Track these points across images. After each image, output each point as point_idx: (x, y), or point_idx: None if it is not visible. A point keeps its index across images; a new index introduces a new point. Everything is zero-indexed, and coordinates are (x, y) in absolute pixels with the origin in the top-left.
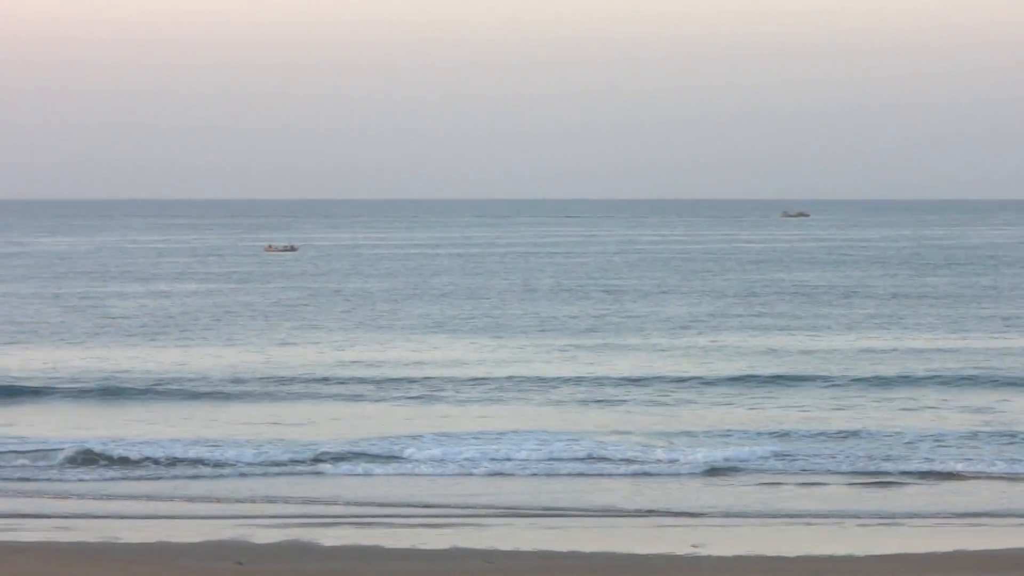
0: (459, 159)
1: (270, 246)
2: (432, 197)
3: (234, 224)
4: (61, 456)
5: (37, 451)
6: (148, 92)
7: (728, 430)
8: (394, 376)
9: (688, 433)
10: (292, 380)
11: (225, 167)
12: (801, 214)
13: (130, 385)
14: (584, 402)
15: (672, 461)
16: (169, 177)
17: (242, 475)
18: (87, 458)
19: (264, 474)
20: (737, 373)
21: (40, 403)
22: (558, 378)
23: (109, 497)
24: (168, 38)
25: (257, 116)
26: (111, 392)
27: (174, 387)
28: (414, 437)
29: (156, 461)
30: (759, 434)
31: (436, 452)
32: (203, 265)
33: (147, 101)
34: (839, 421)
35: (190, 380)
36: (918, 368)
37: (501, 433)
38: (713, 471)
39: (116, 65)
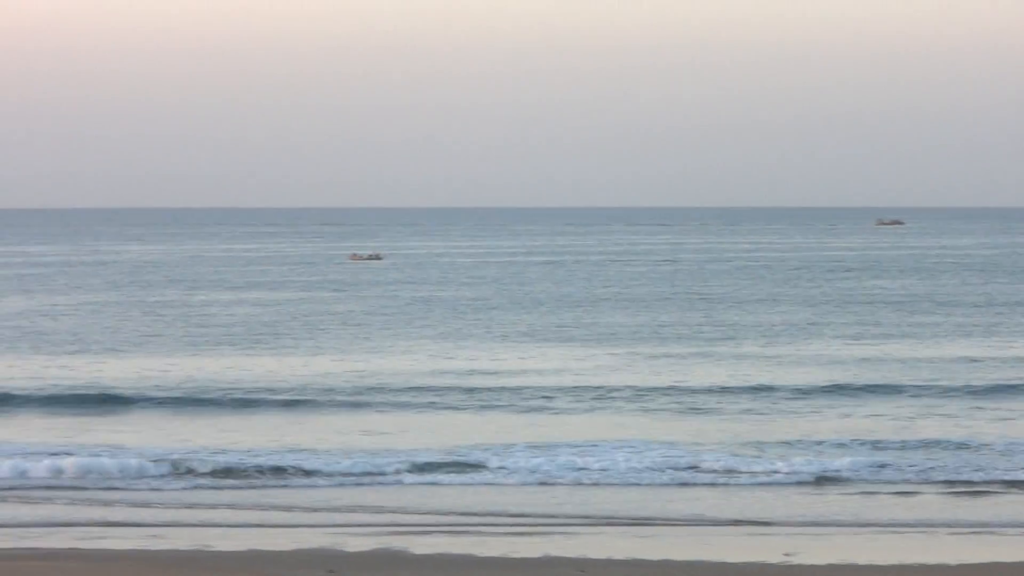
0: (519, 168)
1: (355, 255)
2: (497, 205)
3: (316, 232)
4: (154, 465)
5: (131, 460)
6: (224, 104)
7: (821, 439)
8: (485, 385)
9: (781, 442)
10: (383, 389)
11: (302, 176)
12: (896, 222)
13: (224, 395)
14: (677, 411)
15: (765, 471)
16: (244, 186)
17: (333, 484)
18: (181, 467)
19: (356, 484)
20: (831, 382)
21: (136, 412)
22: (652, 387)
23: (200, 506)
24: (238, 50)
25: (325, 126)
26: (205, 402)
27: (268, 396)
28: (506, 446)
29: (248, 470)
30: (852, 443)
31: (528, 461)
32: (291, 274)
33: (221, 112)
34: (933, 430)
35: (283, 389)
36: (1014, 377)
37: (594, 442)
38: (806, 480)
39: (195, 78)
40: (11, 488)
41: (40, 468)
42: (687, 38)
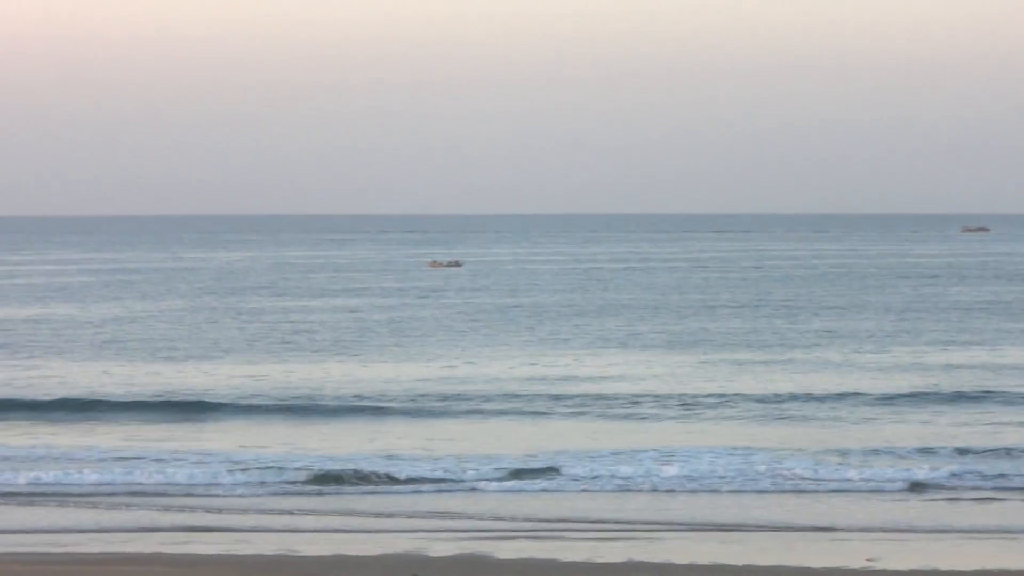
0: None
1: (435, 261)
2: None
3: (392, 240)
4: (240, 471)
5: (216, 465)
6: (298, 111)
7: (904, 446)
8: (570, 392)
9: (865, 449)
10: (469, 396)
11: (376, 183)
12: (981, 229)
13: (311, 401)
14: (761, 417)
15: (848, 478)
16: (319, 193)
17: (417, 490)
18: (267, 473)
19: (440, 490)
20: (916, 388)
21: (224, 418)
22: (736, 394)
23: (286, 511)
24: (310, 55)
25: (399, 133)
26: (294, 409)
27: (355, 403)
28: (590, 453)
29: (334, 475)
30: (936, 450)
31: (611, 468)
32: (372, 281)
33: (291, 120)
34: (1018, 437)
35: (370, 395)
36: None
37: (678, 449)
38: (890, 487)
39: (276, 83)
40: (95, 494)
41: (122, 474)
42: (764, 37)
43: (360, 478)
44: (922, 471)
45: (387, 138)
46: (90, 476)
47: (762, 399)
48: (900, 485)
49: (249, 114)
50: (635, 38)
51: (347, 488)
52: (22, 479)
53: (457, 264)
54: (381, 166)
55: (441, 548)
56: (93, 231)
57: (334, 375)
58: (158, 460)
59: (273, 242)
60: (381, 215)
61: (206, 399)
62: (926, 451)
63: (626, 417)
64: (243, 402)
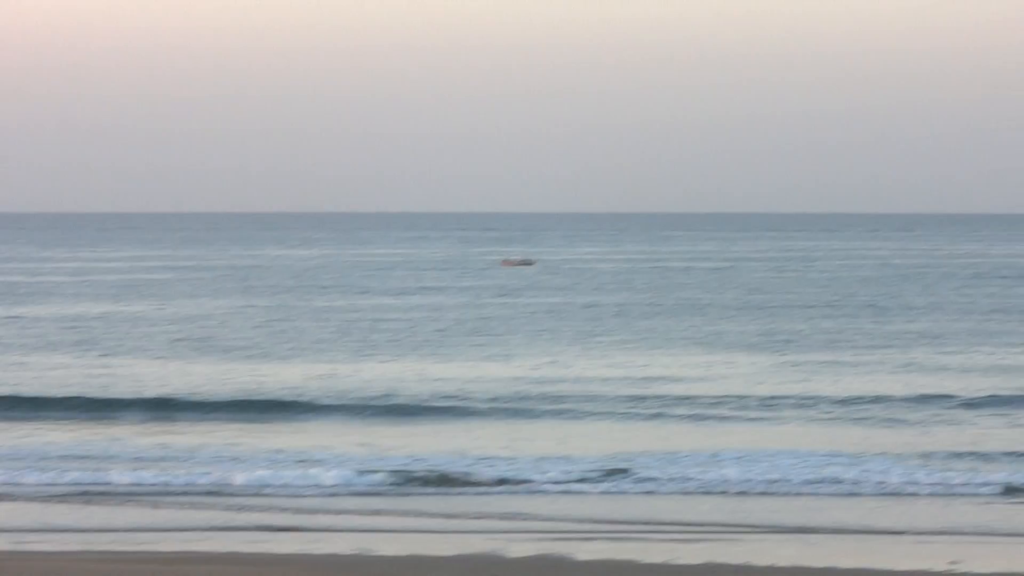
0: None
1: (507, 260)
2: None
3: (462, 237)
4: (318, 470)
5: (292, 466)
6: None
7: (989, 449)
8: (650, 393)
9: (948, 452)
10: (548, 396)
11: (446, 180)
12: None
13: (388, 400)
14: (843, 420)
15: (931, 481)
16: (388, 190)
17: (495, 491)
18: (343, 473)
19: (516, 491)
20: (1000, 391)
21: (303, 419)
22: (817, 396)
23: (361, 511)
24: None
25: (465, 127)
26: (373, 408)
27: (432, 403)
28: (669, 454)
29: (410, 475)
30: (1017, 454)
31: (691, 469)
32: (445, 279)
33: (369, 115)
34: None
35: (447, 395)
36: None
37: (758, 451)
38: (973, 490)
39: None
40: (170, 493)
41: (198, 475)
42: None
43: (438, 479)
44: (1006, 474)
45: (460, 133)
46: (162, 476)
47: (844, 401)
48: (987, 488)
49: (329, 110)
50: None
51: (424, 488)
52: (89, 478)
53: (529, 262)
54: (455, 162)
55: (519, 549)
56: (170, 227)
57: (413, 374)
58: (234, 459)
59: (350, 239)
60: (450, 212)
61: (284, 398)
62: (1011, 454)
63: (706, 418)
64: (321, 402)
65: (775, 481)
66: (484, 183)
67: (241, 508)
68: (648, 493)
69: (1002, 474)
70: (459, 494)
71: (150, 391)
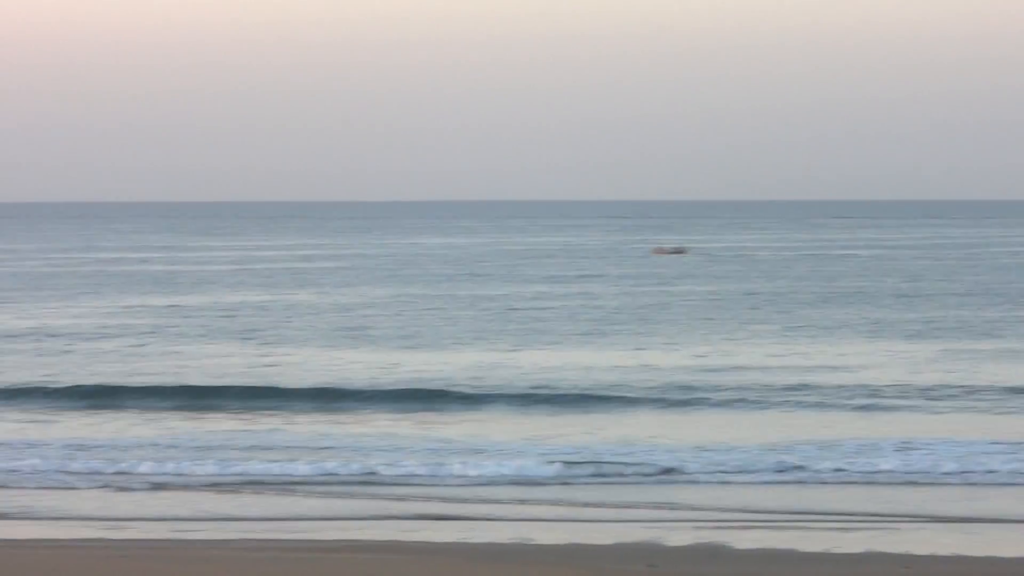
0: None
1: (659, 248)
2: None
3: (610, 226)
4: (471, 459)
5: (448, 454)
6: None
7: None
8: (810, 382)
9: None
10: (710, 386)
11: (588, 168)
12: None
13: (553, 390)
14: (1005, 409)
15: None
16: (536, 177)
17: (651, 480)
18: (501, 462)
19: (674, 481)
20: None
21: (460, 408)
22: (978, 385)
23: (517, 501)
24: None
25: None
26: (535, 398)
27: (595, 392)
28: (829, 443)
29: (571, 465)
30: None
31: (850, 459)
32: (598, 268)
33: (511, 103)
34: None
35: (607, 385)
36: None
37: (919, 440)
38: None
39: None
40: (327, 483)
41: (355, 464)
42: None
43: (597, 468)
44: None
45: (614, 120)
46: (320, 465)
47: (1007, 390)
48: None
49: (475, 97)
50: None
51: (584, 477)
52: (247, 467)
53: (682, 251)
54: (600, 150)
55: (677, 538)
56: (323, 216)
57: (574, 363)
58: (392, 449)
59: (498, 228)
60: (598, 200)
61: (445, 388)
62: None
63: (866, 407)
64: (482, 391)
65: (934, 470)
66: (623, 169)
67: (399, 497)
68: (807, 482)
69: None
70: (618, 483)
71: (312, 380)
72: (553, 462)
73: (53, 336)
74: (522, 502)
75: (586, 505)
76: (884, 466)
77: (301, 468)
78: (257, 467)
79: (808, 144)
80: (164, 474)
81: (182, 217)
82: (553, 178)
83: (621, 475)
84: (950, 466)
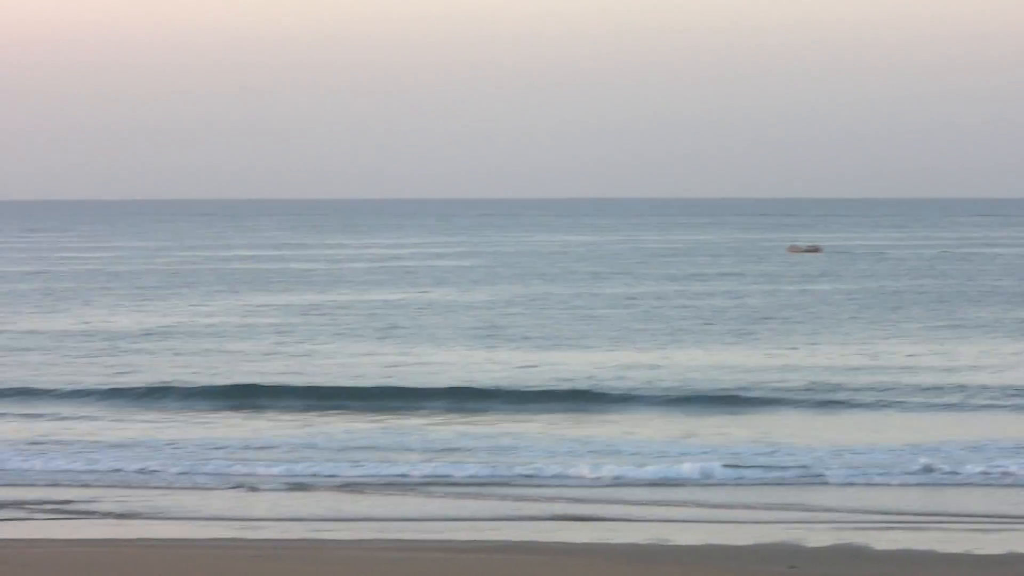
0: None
1: (794, 246)
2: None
3: (739, 223)
4: (611, 462)
5: (588, 455)
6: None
7: None
8: (953, 382)
9: None
10: (850, 387)
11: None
12: None
13: (701, 391)
14: None
15: None
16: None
17: (790, 482)
18: (643, 464)
19: (812, 482)
20: None
21: (615, 409)
22: None
23: (652, 502)
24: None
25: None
26: (692, 400)
27: (740, 393)
28: (969, 444)
29: (709, 465)
30: None
31: (993, 462)
32: (737, 265)
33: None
34: None
35: (752, 385)
36: None
37: None
38: None
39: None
40: (461, 484)
41: (490, 463)
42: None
43: (737, 469)
44: None
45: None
46: (455, 466)
47: None
48: None
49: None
50: None
51: (723, 478)
52: (383, 469)
53: (817, 249)
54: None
55: (817, 538)
56: (445, 214)
57: (715, 362)
58: (533, 450)
59: (628, 226)
60: (737, 198)
61: (585, 388)
62: None
63: (1010, 408)
64: (624, 391)
65: None
66: (772, 169)
67: (535, 498)
68: (948, 484)
69: None
70: (757, 484)
71: (449, 380)
72: (693, 463)
73: (189, 335)
74: (660, 503)
75: (725, 506)
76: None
77: (437, 469)
78: (391, 468)
79: (940, 137)
80: (299, 475)
81: (308, 214)
82: (675, 172)
83: (761, 476)
84: None
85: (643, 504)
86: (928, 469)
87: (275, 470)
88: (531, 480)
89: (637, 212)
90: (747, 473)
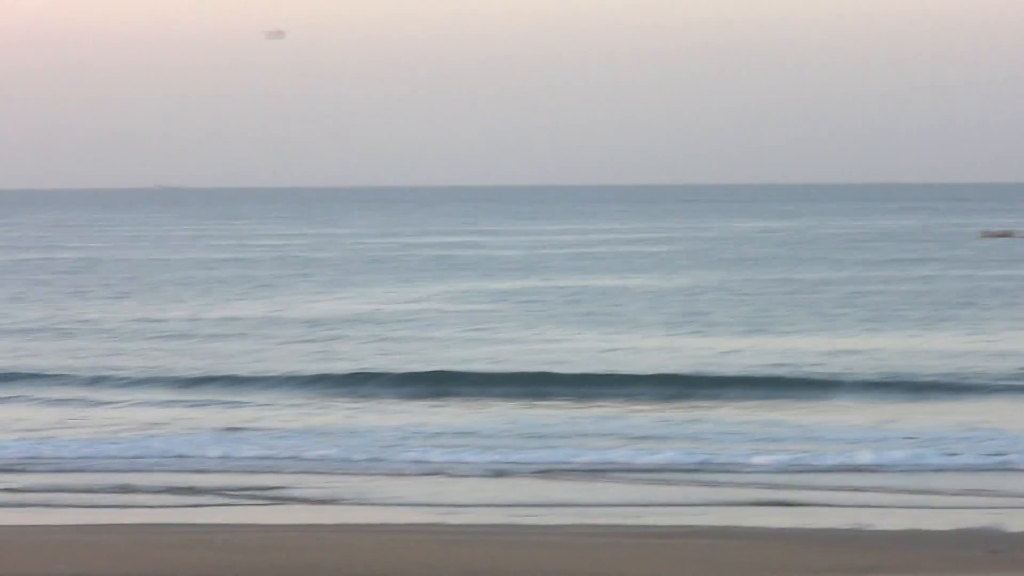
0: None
1: (986, 231)
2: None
3: (924, 208)
4: (812, 446)
5: (794, 442)
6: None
7: None
8: None
9: None
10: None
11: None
12: None
13: (901, 377)
14: None
15: None
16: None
17: (974, 469)
18: (854, 450)
19: (1013, 468)
20: None
21: (815, 396)
22: None
23: (852, 488)
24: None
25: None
26: (882, 385)
27: (942, 380)
28: None
29: (906, 450)
30: None
31: None
32: (929, 251)
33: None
34: None
35: (959, 371)
36: None
37: None
38: None
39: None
40: (659, 470)
41: (686, 451)
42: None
43: (924, 454)
44: None
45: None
46: (663, 452)
47: None
48: None
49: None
50: None
51: (920, 463)
52: (583, 455)
53: (1010, 234)
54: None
55: (1018, 524)
56: (638, 200)
57: (917, 348)
58: (731, 434)
59: (817, 211)
60: (915, 183)
61: (784, 375)
62: None
63: None
64: (823, 377)
65: None
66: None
67: (733, 484)
68: None
69: None
70: (957, 470)
71: (653, 366)
72: (894, 449)
73: (390, 321)
74: (860, 489)
75: (924, 491)
76: None
77: (636, 456)
78: (590, 455)
79: None
80: (498, 461)
81: (502, 200)
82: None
83: (962, 462)
84: None
85: (842, 490)
86: None
87: (474, 456)
88: (728, 467)
89: (825, 198)
90: (948, 460)
